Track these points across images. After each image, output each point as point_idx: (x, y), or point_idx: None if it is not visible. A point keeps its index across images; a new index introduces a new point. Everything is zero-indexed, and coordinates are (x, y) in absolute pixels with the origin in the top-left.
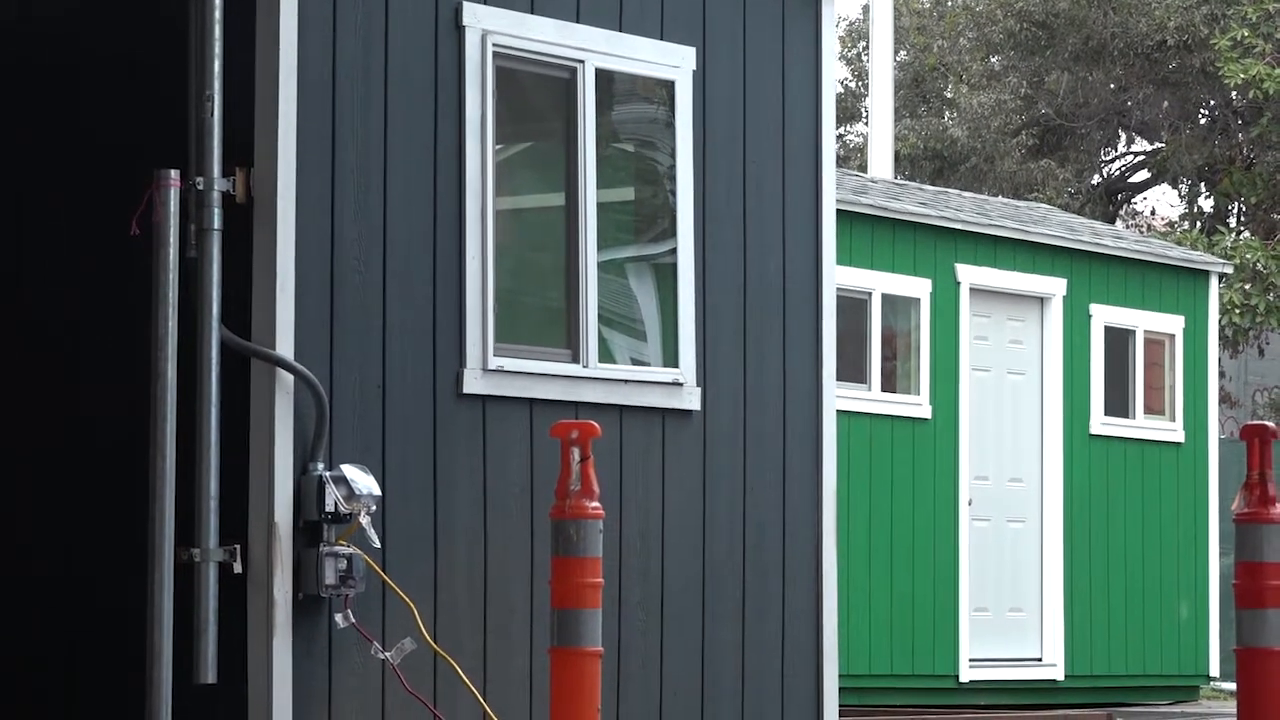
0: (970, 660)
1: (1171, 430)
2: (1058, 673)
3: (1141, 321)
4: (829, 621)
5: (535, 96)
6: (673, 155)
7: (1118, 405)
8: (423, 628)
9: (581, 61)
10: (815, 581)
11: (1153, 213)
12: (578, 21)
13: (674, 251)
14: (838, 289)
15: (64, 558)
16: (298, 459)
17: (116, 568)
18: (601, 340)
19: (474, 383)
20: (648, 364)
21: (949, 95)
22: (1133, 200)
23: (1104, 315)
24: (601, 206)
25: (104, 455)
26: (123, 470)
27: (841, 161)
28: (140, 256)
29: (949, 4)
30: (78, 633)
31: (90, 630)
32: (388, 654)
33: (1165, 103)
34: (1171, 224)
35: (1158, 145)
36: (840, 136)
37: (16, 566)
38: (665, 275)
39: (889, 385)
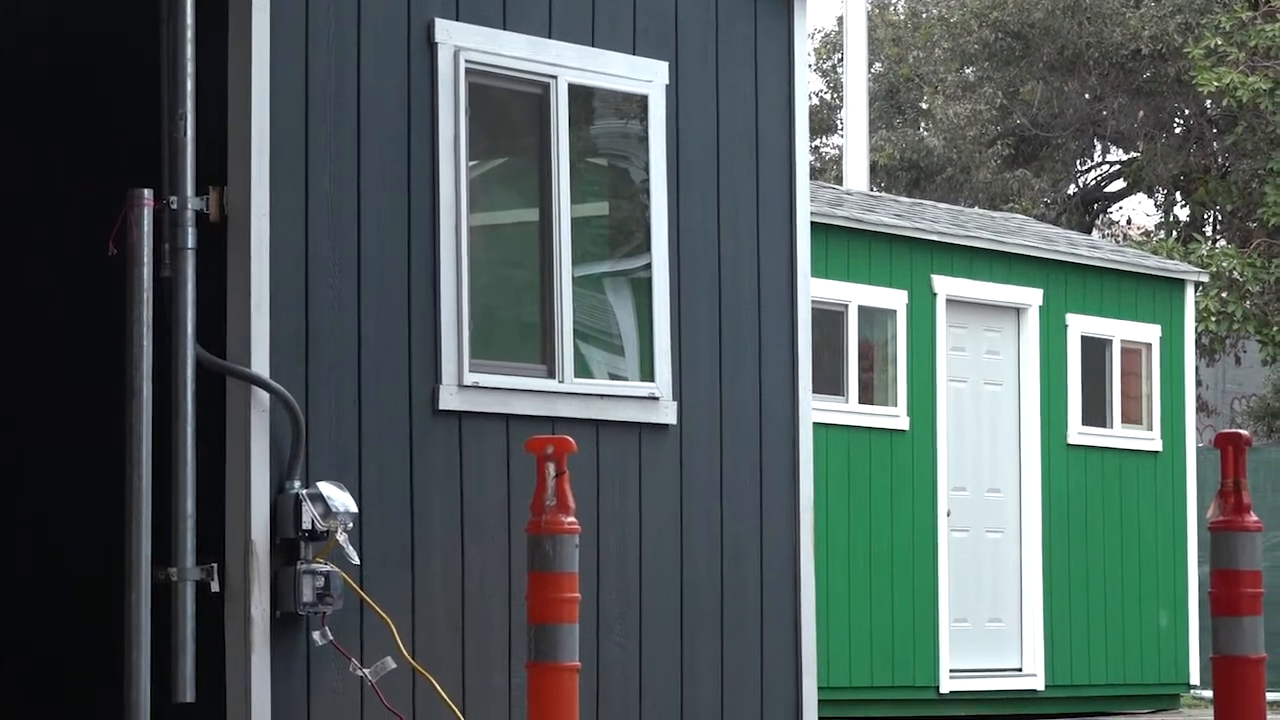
0: (950, 671)
1: (1149, 439)
2: (1038, 683)
3: (1118, 331)
4: (808, 634)
5: (508, 112)
6: (646, 169)
7: (1095, 415)
8: (401, 644)
9: (554, 77)
10: (794, 594)
11: (1128, 222)
12: (550, 37)
13: (649, 266)
14: (814, 301)
15: (47, 576)
16: (274, 477)
17: (98, 585)
18: (577, 355)
19: (450, 399)
20: (624, 378)
21: (924, 106)
22: (1108, 210)
23: (1080, 325)
24: (576, 221)
25: (89, 471)
26: (104, 487)
27: (817, 173)
28: (120, 273)
29: (924, 15)
30: (60, 651)
31: (72, 649)
32: (366, 671)
33: (1140, 112)
34: (1147, 233)
35: (1133, 154)
36: (815, 148)
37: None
38: (640, 289)
39: (866, 397)
